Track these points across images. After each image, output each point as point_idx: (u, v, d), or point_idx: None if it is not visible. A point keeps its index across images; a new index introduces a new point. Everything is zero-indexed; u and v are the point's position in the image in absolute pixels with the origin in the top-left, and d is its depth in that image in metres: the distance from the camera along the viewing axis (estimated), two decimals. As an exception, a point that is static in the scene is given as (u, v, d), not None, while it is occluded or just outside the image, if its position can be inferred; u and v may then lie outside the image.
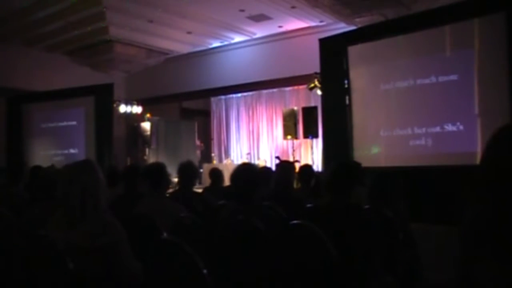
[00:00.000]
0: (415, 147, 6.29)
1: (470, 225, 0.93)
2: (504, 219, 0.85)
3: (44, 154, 9.78)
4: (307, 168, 4.83)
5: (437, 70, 6.09)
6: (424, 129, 6.24)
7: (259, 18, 10.28)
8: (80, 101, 9.66)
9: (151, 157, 12.62)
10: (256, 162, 11.97)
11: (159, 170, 3.38)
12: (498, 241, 0.86)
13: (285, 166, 4.06)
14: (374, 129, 6.74)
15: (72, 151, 9.66)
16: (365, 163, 5.24)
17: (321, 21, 10.24)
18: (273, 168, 5.64)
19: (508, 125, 0.97)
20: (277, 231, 2.55)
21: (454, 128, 5.96)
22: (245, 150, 13.56)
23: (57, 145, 9.83)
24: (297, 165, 5.37)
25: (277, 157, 10.78)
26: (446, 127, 6.02)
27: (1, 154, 9.70)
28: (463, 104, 5.90)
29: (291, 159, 10.55)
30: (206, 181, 9.69)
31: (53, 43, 11.23)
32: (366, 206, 2.91)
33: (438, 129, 6.10)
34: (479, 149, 5.55)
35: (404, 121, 6.44)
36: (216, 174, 5.16)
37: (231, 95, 13.95)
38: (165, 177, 3.37)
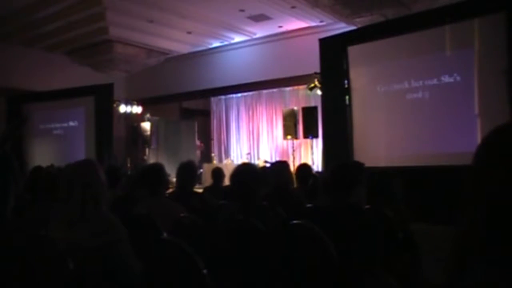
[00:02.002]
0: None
1: (466, 227, 0.93)
2: (502, 222, 0.85)
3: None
4: (305, 167, 4.83)
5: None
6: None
7: (259, 18, 10.28)
8: (80, 101, 9.67)
9: (151, 157, 12.62)
10: (256, 162, 11.97)
11: (157, 171, 3.38)
12: (495, 245, 0.85)
13: (279, 166, 4.06)
14: (374, 129, 6.75)
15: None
16: (365, 163, 5.23)
17: (321, 21, 10.24)
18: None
19: (506, 125, 0.96)
20: (277, 231, 2.55)
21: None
22: (245, 150, 13.56)
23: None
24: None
25: (266, 161, 10.80)
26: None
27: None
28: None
29: (291, 159, 10.56)
30: (206, 181, 9.71)
31: (53, 43, 11.23)
32: (366, 206, 2.91)
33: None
34: (479, 149, 5.54)
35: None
36: (217, 173, 5.16)
37: (231, 95, 13.94)
38: (164, 178, 3.37)
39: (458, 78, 5.96)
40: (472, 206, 0.91)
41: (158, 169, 3.41)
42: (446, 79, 6.06)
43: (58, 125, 10.03)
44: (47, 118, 10.10)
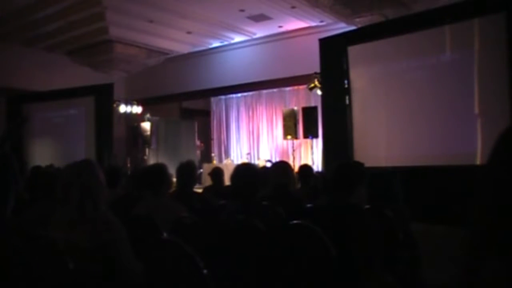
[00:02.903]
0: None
1: (477, 225, 0.93)
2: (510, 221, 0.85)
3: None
4: (306, 168, 4.83)
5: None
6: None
7: (259, 18, 10.27)
8: (80, 101, 9.67)
9: (151, 157, 12.62)
10: (256, 162, 11.97)
11: (159, 171, 3.38)
12: (505, 243, 0.86)
13: (281, 165, 4.04)
14: (374, 129, 6.75)
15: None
16: (365, 163, 5.24)
17: (321, 21, 10.24)
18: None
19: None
20: (277, 231, 2.55)
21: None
22: (245, 150, 13.56)
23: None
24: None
25: (269, 161, 10.79)
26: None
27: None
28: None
29: (291, 159, 10.56)
30: (206, 181, 9.70)
31: (53, 43, 11.23)
32: (366, 206, 2.91)
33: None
34: (479, 149, 5.55)
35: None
36: (217, 173, 5.16)
37: (231, 95, 13.94)
38: (166, 178, 3.38)
39: (458, 77, 5.96)
40: (481, 205, 0.91)
41: (160, 169, 3.41)
42: (445, 78, 6.06)
43: (58, 125, 10.02)
44: (47, 118, 10.10)
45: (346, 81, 7.03)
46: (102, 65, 12.29)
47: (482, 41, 5.64)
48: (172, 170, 4.44)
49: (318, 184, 4.58)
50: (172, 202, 3.33)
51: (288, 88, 12.64)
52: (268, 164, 9.16)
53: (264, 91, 13.13)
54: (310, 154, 11.00)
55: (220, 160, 13.65)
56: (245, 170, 3.00)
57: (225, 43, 12.12)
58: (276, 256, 2.43)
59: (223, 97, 14.15)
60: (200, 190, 4.94)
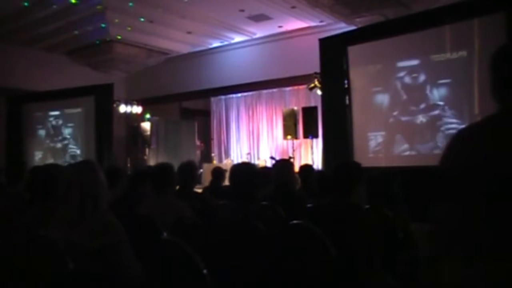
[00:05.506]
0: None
1: (441, 225, 0.93)
2: (472, 218, 0.85)
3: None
4: (307, 167, 4.83)
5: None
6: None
7: (259, 18, 10.27)
8: (80, 101, 9.67)
9: (151, 157, 12.62)
10: (256, 162, 11.96)
11: (166, 170, 3.38)
12: (467, 241, 0.86)
13: (282, 164, 4.04)
14: (374, 129, 6.75)
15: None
16: (365, 163, 5.24)
17: (321, 21, 10.23)
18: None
19: (468, 126, 0.98)
20: (277, 231, 2.55)
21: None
22: (245, 150, 13.56)
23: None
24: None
25: (272, 158, 10.77)
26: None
27: (1, 154, 9.71)
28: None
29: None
30: (206, 181, 9.70)
31: (53, 43, 11.22)
32: (366, 206, 2.91)
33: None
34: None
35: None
36: (217, 173, 5.16)
37: (231, 95, 13.94)
38: (173, 178, 3.38)
39: (458, 77, 5.96)
40: (448, 201, 0.91)
41: (167, 168, 3.41)
42: (445, 78, 6.06)
43: (58, 125, 10.02)
44: (47, 118, 10.10)
45: (346, 81, 7.03)
46: (102, 65, 12.28)
47: (482, 41, 5.64)
48: (172, 170, 4.44)
49: (319, 184, 4.57)
50: (177, 201, 3.33)
51: (288, 88, 12.64)
52: (272, 161, 9.10)
53: (264, 91, 13.13)
54: (310, 154, 10.99)
55: (220, 160, 13.65)
56: (243, 169, 3.00)
57: (225, 43, 12.11)
58: (276, 256, 2.43)
59: (223, 97, 14.15)
60: (200, 190, 4.94)
